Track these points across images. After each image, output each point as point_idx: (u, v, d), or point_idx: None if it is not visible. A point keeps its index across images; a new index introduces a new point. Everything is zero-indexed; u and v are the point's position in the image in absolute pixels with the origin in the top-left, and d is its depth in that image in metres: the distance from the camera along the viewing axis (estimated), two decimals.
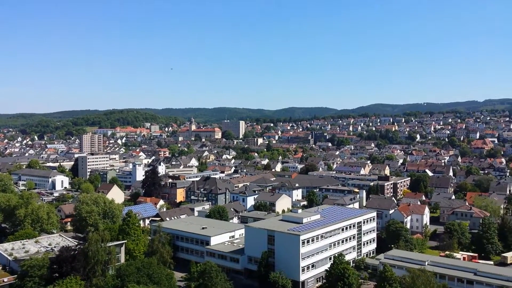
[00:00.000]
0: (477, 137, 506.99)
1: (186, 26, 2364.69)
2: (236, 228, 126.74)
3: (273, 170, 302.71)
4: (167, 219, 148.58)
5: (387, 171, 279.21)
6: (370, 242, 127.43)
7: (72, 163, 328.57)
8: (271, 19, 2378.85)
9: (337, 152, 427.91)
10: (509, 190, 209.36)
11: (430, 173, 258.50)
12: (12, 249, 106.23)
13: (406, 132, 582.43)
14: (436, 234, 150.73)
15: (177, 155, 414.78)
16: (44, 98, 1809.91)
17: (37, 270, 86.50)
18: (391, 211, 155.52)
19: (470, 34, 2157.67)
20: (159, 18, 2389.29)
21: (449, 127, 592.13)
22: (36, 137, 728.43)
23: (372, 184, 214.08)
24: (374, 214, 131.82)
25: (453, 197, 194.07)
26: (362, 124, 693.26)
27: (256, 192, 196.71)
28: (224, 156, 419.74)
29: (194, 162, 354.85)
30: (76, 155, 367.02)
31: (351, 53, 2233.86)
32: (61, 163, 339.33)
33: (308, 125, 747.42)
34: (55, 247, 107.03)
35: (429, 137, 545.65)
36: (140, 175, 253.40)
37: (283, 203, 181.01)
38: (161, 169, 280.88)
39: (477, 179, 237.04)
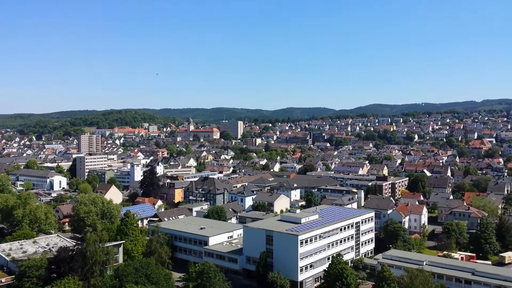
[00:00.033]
0: (475, 137, 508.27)
1: (186, 26, 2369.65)
2: (235, 228, 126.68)
3: (272, 170, 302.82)
4: (165, 219, 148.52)
5: (385, 171, 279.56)
6: (368, 242, 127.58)
7: (70, 163, 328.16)
8: (271, 19, 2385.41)
9: (335, 152, 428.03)
10: (507, 190, 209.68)
11: (428, 173, 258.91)
12: (10, 250, 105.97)
13: (404, 132, 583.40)
14: (434, 234, 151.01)
15: (175, 155, 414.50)
16: (42, 99, 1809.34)
17: (35, 270, 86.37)
18: (389, 211, 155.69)
19: (469, 34, 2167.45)
20: (159, 18, 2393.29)
21: (447, 127, 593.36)
22: (34, 137, 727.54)
23: (370, 184, 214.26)
24: (372, 214, 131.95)
25: (451, 197, 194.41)
26: (360, 124, 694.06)
27: (255, 192, 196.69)
28: (222, 156, 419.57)
29: (192, 162, 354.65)
30: (74, 156, 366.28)
31: (351, 53, 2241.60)
32: (59, 164, 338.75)
33: (307, 125, 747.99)
34: (53, 247, 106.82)
35: (427, 137, 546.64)
36: (138, 175, 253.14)
37: (281, 203, 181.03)
38: (159, 169, 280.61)
39: (475, 179, 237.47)
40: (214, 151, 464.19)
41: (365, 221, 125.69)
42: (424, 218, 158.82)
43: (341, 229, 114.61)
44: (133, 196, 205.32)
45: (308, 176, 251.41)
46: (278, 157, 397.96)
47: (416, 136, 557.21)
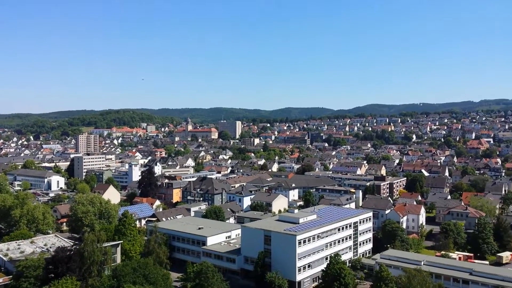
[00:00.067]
0: (473, 137, 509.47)
1: (186, 26, 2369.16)
2: (233, 228, 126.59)
3: (270, 170, 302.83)
4: (163, 219, 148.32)
5: (383, 171, 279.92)
6: (366, 242, 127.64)
7: (68, 163, 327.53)
8: (271, 19, 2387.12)
9: (334, 152, 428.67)
10: (505, 190, 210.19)
11: (426, 173, 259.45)
12: (7, 250, 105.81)
13: (402, 133, 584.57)
14: (432, 234, 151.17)
15: (174, 156, 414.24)
16: (40, 98, 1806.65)
17: (33, 270, 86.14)
18: (387, 211, 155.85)
19: (468, 34, 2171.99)
20: (159, 18, 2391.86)
21: (445, 128, 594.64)
22: (31, 137, 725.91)
23: (368, 184, 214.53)
24: (370, 214, 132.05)
25: (449, 197, 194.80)
26: (358, 125, 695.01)
27: (253, 192, 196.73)
28: (220, 157, 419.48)
29: (190, 162, 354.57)
30: (72, 156, 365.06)
31: (351, 53, 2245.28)
32: (57, 164, 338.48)
33: (305, 125, 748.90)
34: (50, 247, 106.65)
35: (425, 137, 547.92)
36: (136, 175, 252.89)
37: (279, 203, 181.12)
38: (158, 169, 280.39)
39: (473, 179, 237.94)
40: (212, 151, 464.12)
41: (363, 221, 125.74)
42: (422, 218, 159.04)
43: (339, 229, 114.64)
44: (131, 196, 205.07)
45: (306, 176, 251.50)
46: (276, 157, 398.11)
47: (414, 136, 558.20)
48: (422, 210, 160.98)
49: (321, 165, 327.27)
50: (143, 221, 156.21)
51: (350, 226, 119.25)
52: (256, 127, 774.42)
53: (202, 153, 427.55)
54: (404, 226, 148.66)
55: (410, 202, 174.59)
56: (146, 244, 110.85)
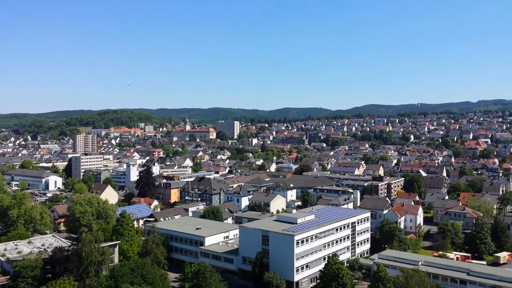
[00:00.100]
0: (471, 137, 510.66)
1: (186, 26, 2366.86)
2: (231, 229, 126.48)
3: (268, 170, 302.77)
4: (161, 219, 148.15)
5: (381, 172, 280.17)
6: (364, 242, 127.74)
7: (66, 163, 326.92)
8: (271, 19, 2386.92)
9: (332, 153, 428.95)
10: (502, 191, 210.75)
11: (423, 174, 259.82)
12: (5, 250, 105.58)
13: (400, 133, 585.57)
14: (429, 234, 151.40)
15: (172, 156, 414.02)
16: (38, 98, 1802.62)
17: (30, 271, 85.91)
18: (385, 211, 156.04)
19: (467, 35, 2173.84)
20: (159, 18, 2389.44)
21: (443, 128, 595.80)
22: (29, 137, 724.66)
23: (366, 184, 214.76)
24: (368, 214, 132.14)
25: (447, 197, 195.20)
26: (356, 125, 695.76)
27: (251, 192, 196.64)
28: (218, 157, 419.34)
29: (188, 162, 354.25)
30: (69, 156, 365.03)
31: (350, 53, 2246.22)
32: (55, 164, 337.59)
33: (303, 126, 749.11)
34: (48, 247, 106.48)
35: (423, 138, 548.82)
36: (134, 175, 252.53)
37: (277, 204, 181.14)
38: (155, 169, 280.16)
39: (470, 179, 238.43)
40: (210, 151, 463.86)
41: (361, 221, 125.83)
42: (420, 218, 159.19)
43: (337, 229, 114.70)
44: (128, 196, 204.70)
45: (304, 176, 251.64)
46: (274, 157, 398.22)
47: (411, 137, 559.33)
48: (420, 210, 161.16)
49: (319, 165, 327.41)
50: (141, 221, 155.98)
51: (348, 226, 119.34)
52: (254, 127, 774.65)
53: (200, 153, 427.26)
54: (402, 226, 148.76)
55: (408, 202, 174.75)
56: (144, 244, 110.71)
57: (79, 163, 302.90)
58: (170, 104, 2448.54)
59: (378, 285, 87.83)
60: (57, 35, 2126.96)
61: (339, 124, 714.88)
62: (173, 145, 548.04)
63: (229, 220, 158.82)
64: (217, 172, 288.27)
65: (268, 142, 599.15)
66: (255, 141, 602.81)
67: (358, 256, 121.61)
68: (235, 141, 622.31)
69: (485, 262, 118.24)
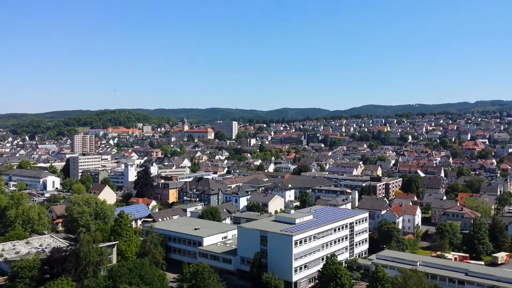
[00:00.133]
0: (468, 138, 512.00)
1: (186, 26, 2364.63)
2: (229, 229, 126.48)
3: (266, 170, 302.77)
4: (160, 219, 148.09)
5: (379, 172, 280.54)
6: (362, 242, 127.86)
7: (64, 163, 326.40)
8: (271, 19, 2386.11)
9: (330, 153, 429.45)
10: (500, 191, 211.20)
11: (421, 174, 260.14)
12: (3, 250, 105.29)
13: (398, 133, 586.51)
14: (427, 234, 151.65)
15: (170, 156, 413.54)
16: (36, 98, 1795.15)
17: (28, 271, 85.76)
18: (383, 212, 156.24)
19: (467, 35, 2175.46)
20: (159, 18, 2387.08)
21: (441, 128, 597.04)
22: (27, 137, 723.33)
23: (364, 184, 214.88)
24: (366, 214, 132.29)
25: (445, 197, 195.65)
26: (354, 125, 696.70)
27: (249, 192, 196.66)
28: (216, 157, 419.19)
29: (186, 162, 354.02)
30: (67, 156, 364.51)
31: (350, 53, 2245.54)
32: (53, 164, 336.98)
33: (301, 126, 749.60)
34: (46, 248, 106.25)
35: (421, 138, 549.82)
36: (132, 175, 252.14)
37: (275, 204, 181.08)
38: (154, 169, 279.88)
39: (468, 180, 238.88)
40: (208, 152, 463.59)
41: (359, 222, 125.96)
42: (418, 219, 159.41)
43: (335, 230, 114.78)
44: (127, 196, 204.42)
45: (303, 176, 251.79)
46: (273, 158, 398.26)
47: (409, 137, 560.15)
48: (418, 210, 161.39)
49: (317, 165, 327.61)
50: (139, 222, 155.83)
51: (346, 226, 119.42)
52: (252, 127, 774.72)
53: (198, 154, 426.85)
54: (400, 226, 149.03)
55: (406, 202, 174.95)
56: (142, 245, 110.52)
57: (77, 163, 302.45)
58: (168, 104, 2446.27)
59: (376, 285, 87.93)
60: (57, 35, 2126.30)
61: (337, 124, 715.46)
62: (171, 145, 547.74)
63: (227, 221, 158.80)
64: (215, 173, 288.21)
65: (267, 142, 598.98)
66: (253, 141, 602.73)
67: (356, 256, 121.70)
68: (233, 141, 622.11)
69: (483, 263, 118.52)
